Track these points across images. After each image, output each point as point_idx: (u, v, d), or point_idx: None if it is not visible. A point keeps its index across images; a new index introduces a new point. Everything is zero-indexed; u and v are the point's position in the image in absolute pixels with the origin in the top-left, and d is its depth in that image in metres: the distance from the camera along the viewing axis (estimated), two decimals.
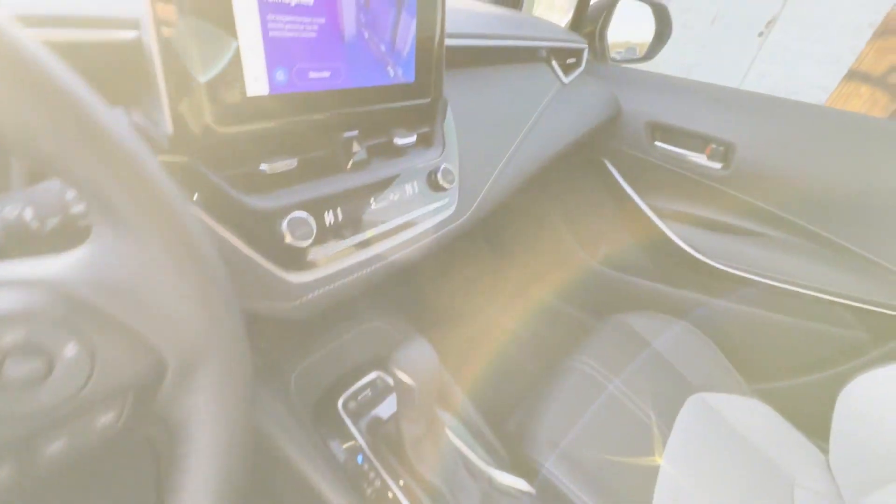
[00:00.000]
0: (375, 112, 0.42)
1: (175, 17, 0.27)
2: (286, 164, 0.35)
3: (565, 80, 0.89)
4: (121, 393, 0.21)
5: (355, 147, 0.41)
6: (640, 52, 1.14)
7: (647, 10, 1.08)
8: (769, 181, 0.86)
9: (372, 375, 0.62)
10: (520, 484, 0.60)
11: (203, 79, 0.29)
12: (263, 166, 0.34)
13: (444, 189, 0.49)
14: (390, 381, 0.61)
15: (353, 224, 0.40)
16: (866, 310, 0.81)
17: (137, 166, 0.19)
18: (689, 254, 0.95)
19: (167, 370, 0.22)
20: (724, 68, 5.30)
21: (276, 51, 0.32)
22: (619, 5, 1.03)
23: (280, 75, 0.33)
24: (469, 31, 0.62)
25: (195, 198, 0.31)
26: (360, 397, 0.59)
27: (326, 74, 0.36)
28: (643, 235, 1.03)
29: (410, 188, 0.46)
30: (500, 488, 0.58)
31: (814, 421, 0.74)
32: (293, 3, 0.32)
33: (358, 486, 0.51)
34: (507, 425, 0.88)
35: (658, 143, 0.97)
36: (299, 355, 0.62)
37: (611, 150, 1.02)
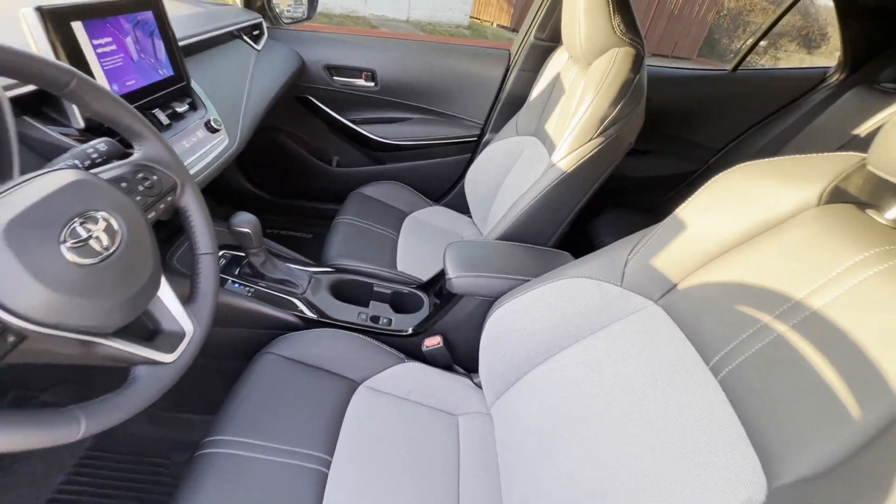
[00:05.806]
0: (160, 95, 0.79)
1: None
2: None
3: (258, 47, 1.31)
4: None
5: (160, 116, 0.78)
6: (306, 13, 1.61)
7: None
8: (400, 86, 1.52)
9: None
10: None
11: None
12: None
13: (218, 130, 0.90)
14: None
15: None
16: (463, 141, 1.59)
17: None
18: (373, 139, 1.58)
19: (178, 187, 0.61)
20: (390, 2, 6.27)
21: (109, 74, 0.68)
22: None
23: (115, 87, 0.69)
24: (188, 32, 0.98)
25: None
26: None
27: (133, 82, 0.73)
28: (356, 143, 1.61)
29: (201, 133, 0.85)
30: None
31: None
32: (108, 50, 0.68)
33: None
34: None
35: (336, 78, 1.51)
36: None
37: (310, 90, 1.52)
